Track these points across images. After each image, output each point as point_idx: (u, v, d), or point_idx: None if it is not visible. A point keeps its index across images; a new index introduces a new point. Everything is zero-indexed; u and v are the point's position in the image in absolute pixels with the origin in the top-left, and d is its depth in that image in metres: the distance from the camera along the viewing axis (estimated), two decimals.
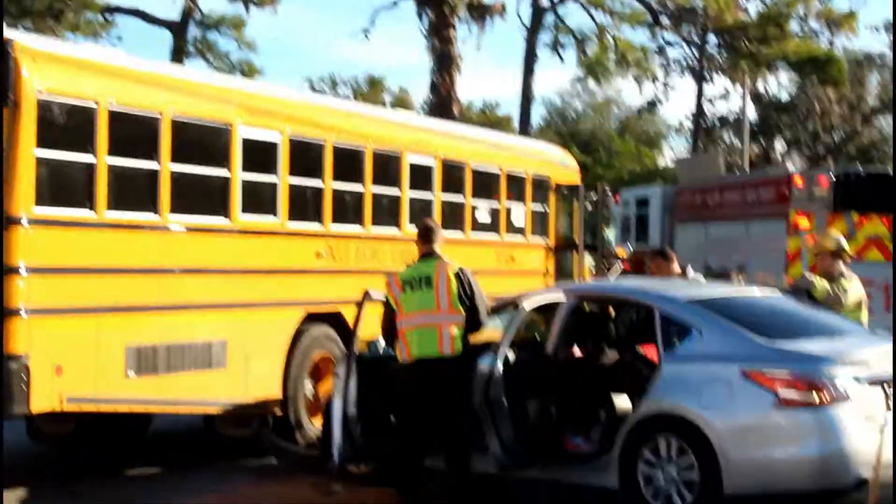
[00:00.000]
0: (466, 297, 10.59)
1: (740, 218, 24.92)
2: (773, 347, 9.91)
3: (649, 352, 11.06)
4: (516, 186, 17.94)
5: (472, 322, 10.64)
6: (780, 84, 63.26)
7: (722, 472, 9.66)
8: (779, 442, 9.53)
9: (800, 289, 12.42)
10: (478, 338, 10.87)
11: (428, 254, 10.88)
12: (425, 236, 11.03)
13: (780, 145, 70.78)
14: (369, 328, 11.43)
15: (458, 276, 10.62)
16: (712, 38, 50.40)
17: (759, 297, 11.74)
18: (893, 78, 22.87)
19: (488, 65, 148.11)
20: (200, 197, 12.48)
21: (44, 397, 10.62)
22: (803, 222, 20.45)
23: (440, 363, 10.49)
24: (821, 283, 12.39)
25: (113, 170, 11.37)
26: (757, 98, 63.44)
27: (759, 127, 64.30)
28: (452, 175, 16.46)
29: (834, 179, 21.53)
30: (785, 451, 9.51)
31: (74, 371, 10.90)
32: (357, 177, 14.65)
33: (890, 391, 9.82)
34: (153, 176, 11.84)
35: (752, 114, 60.64)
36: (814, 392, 9.44)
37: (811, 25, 48.96)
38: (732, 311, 10.63)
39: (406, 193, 15.41)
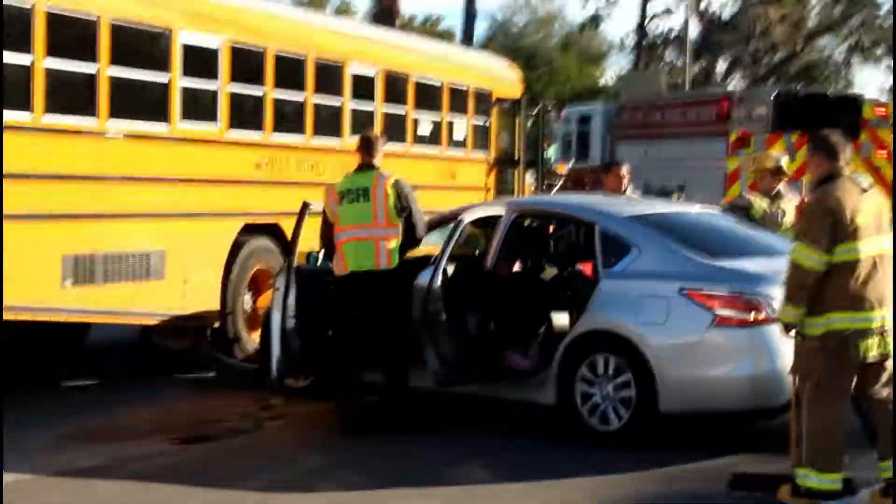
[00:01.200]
0: (403, 209, 10.60)
1: (681, 137, 25.03)
2: (711, 265, 9.99)
3: (588, 269, 11.10)
4: (458, 99, 17.90)
5: (409, 236, 10.69)
6: (723, 1, 63.53)
7: (658, 390, 9.76)
8: (714, 361, 9.64)
9: (738, 207, 12.48)
10: (416, 252, 10.90)
11: (366, 165, 10.82)
12: (365, 147, 10.96)
13: (722, 64, 71.10)
14: (308, 241, 11.45)
15: (395, 187, 10.60)
16: None
17: (698, 214, 11.81)
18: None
19: None
20: (139, 103, 12.38)
21: None
22: (741, 141, 20.57)
23: (376, 276, 10.53)
24: (759, 203, 12.44)
25: (50, 73, 11.24)
26: (700, 16, 63.66)
27: (701, 45, 64.51)
28: (395, 86, 16.40)
29: (775, 98, 21.65)
30: (720, 371, 9.63)
31: (10, 280, 10.83)
32: (298, 86, 14.58)
33: None
34: (91, 80, 11.73)
35: (694, 32, 60.80)
36: (751, 311, 9.53)
37: None
38: (672, 228, 10.68)
39: (348, 104, 15.35)
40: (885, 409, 8.09)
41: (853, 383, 8.00)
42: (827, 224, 7.85)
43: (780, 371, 9.39)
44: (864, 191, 8.10)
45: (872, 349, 7.89)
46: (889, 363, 8.03)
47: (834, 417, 7.97)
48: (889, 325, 7.95)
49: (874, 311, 7.91)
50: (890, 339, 7.95)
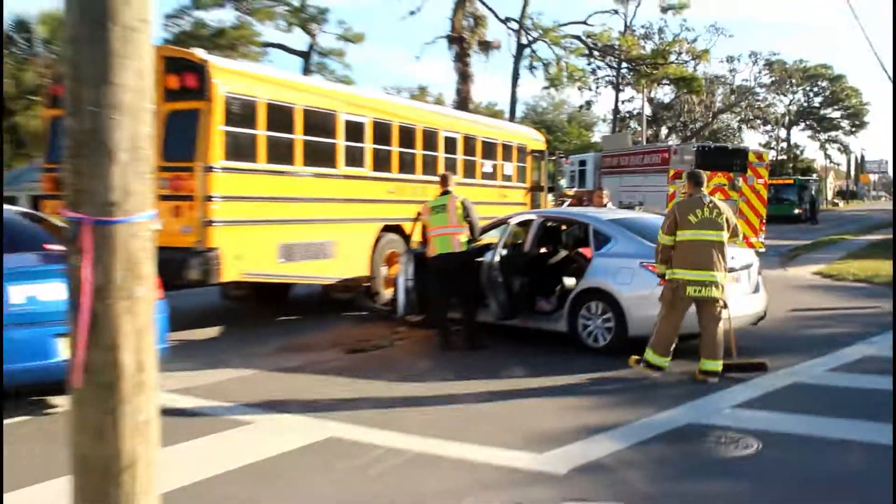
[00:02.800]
0: (466, 216, 10.69)
1: (640, 172, 24.88)
2: None
3: (586, 251, 11.08)
4: (507, 151, 17.81)
5: (471, 232, 10.76)
6: (664, 92, 63.27)
7: (627, 322, 9.77)
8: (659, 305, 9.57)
9: None
10: (479, 242, 10.94)
11: (444, 191, 10.95)
12: (443, 180, 11.19)
13: (664, 129, 70.66)
14: (418, 235, 11.54)
15: (461, 203, 10.71)
16: (624, 64, 50.05)
17: (649, 218, 11.75)
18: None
19: (491, 79, 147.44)
20: (320, 155, 12.45)
21: (229, 272, 10.80)
22: (676, 175, 20.36)
23: (452, 256, 10.59)
24: None
25: (269, 138, 11.43)
26: (650, 100, 63.28)
27: (651, 118, 64.10)
28: (469, 144, 16.35)
29: (696, 150, 21.47)
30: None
31: (247, 257, 11.05)
32: (412, 145, 14.58)
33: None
34: (292, 143, 11.87)
35: (647, 110, 60.45)
36: None
37: (683, 57, 48.93)
38: (635, 227, 10.63)
39: (441, 155, 15.35)
40: (705, 330, 8.68)
41: (686, 309, 8.69)
42: (671, 220, 8.76)
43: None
44: (706, 203, 8.76)
45: (698, 292, 8.56)
46: (713, 304, 8.64)
47: (671, 325, 8.69)
48: (710, 280, 8.54)
49: (700, 271, 8.56)
50: (711, 289, 8.56)
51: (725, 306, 8.73)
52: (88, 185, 3.25)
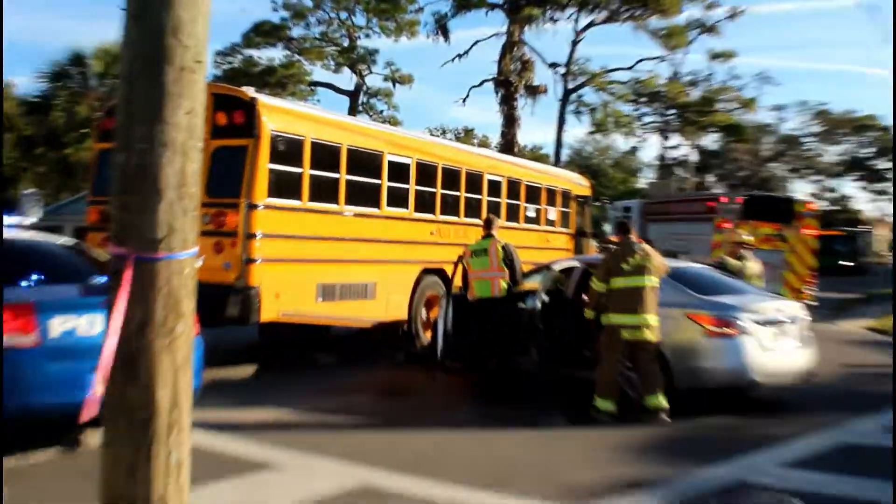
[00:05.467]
0: (508, 261, 10.67)
1: (685, 220, 24.65)
2: (702, 299, 9.78)
3: None
4: (551, 196, 17.78)
5: (512, 277, 10.75)
6: (711, 140, 63.22)
7: (672, 374, 9.56)
8: (705, 357, 9.41)
9: (719, 265, 12.36)
10: (522, 287, 10.88)
11: (487, 235, 10.99)
12: (486, 225, 11.27)
13: (711, 177, 70.29)
14: (459, 278, 11.51)
15: (503, 248, 10.72)
16: (671, 111, 50.14)
17: (695, 268, 11.62)
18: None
19: (537, 123, 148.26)
20: (363, 195, 12.47)
21: (268, 311, 10.77)
22: (724, 225, 20.16)
23: (492, 301, 10.63)
24: (732, 262, 12.35)
25: (313, 177, 11.48)
26: (697, 148, 63.12)
27: (698, 165, 63.86)
28: (513, 188, 16.36)
29: (744, 199, 21.27)
30: (708, 363, 9.38)
31: (286, 296, 11.04)
32: (455, 187, 14.62)
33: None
34: (335, 182, 11.91)
35: (694, 157, 60.32)
36: (727, 327, 9.35)
37: (730, 105, 48.97)
38: (680, 276, 10.50)
39: (485, 198, 15.34)
40: (643, 369, 9.13)
41: (621, 352, 9.17)
42: (605, 268, 9.43)
43: (744, 363, 9.25)
44: (637, 251, 9.35)
45: (632, 335, 9.07)
46: (647, 346, 9.10)
47: (611, 369, 9.18)
48: (643, 323, 9.05)
49: (633, 315, 9.08)
50: (644, 332, 9.04)
51: (658, 349, 9.24)
52: (134, 220, 3.29)
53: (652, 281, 9.26)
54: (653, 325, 9.13)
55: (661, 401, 8.98)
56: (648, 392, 9.05)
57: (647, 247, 9.55)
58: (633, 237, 9.69)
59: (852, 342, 16.52)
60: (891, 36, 38.42)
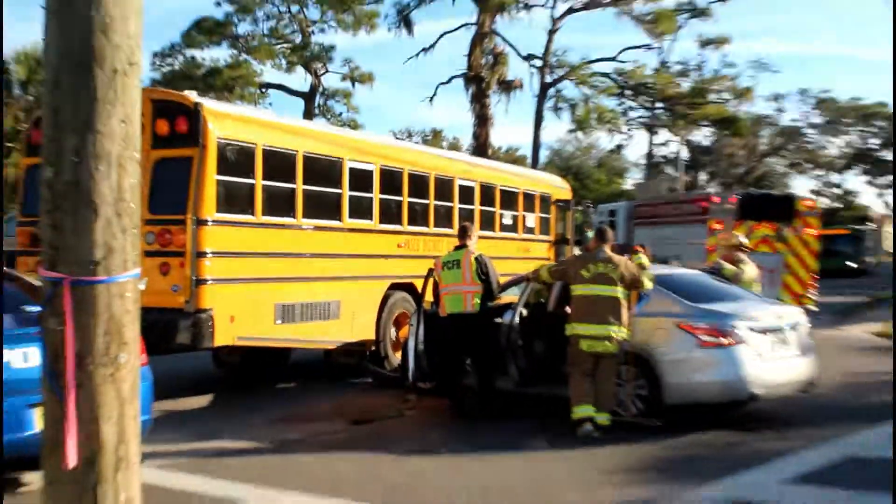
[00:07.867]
0: (483, 274, 10.74)
1: (676, 223, 24.79)
2: (696, 307, 9.88)
3: None
4: (529, 201, 17.86)
5: (487, 291, 10.81)
6: (703, 135, 63.38)
7: (663, 389, 9.68)
8: (699, 370, 9.52)
9: (714, 270, 12.46)
10: (499, 301, 10.96)
11: (461, 245, 11.03)
12: (461, 233, 11.32)
13: (703, 176, 70.74)
14: (430, 293, 11.56)
15: (477, 260, 10.78)
16: (659, 104, 50.22)
17: (687, 274, 11.74)
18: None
19: (512, 122, 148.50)
20: (322, 207, 12.48)
21: (223, 336, 10.76)
22: (717, 226, 20.33)
23: (465, 317, 10.69)
24: (728, 267, 12.44)
25: (267, 188, 11.46)
26: (688, 144, 63.48)
27: (689, 163, 64.22)
28: (487, 193, 16.42)
29: (738, 198, 21.44)
30: (703, 376, 9.50)
31: (242, 319, 11.02)
32: (424, 194, 14.66)
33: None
34: (291, 193, 11.89)
35: (684, 154, 60.65)
36: (722, 337, 9.46)
37: (723, 96, 48.89)
38: (670, 283, 10.60)
39: (456, 205, 15.40)
40: (598, 384, 9.52)
41: (589, 363, 9.53)
42: (562, 269, 10.24)
43: (741, 375, 9.36)
44: (601, 259, 9.75)
45: (591, 347, 9.46)
46: (610, 358, 9.53)
47: (581, 379, 9.52)
48: (601, 334, 9.44)
49: (593, 325, 9.48)
50: (605, 343, 9.43)
51: (624, 362, 9.67)
52: (68, 241, 3.28)
53: (615, 291, 9.58)
54: (616, 336, 9.47)
55: (596, 416, 9.37)
56: (599, 408, 9.45)
57: (616, 257, 9.87)
58: (608, 247, 9.98)
59: (857, 349, 16.75)
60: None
